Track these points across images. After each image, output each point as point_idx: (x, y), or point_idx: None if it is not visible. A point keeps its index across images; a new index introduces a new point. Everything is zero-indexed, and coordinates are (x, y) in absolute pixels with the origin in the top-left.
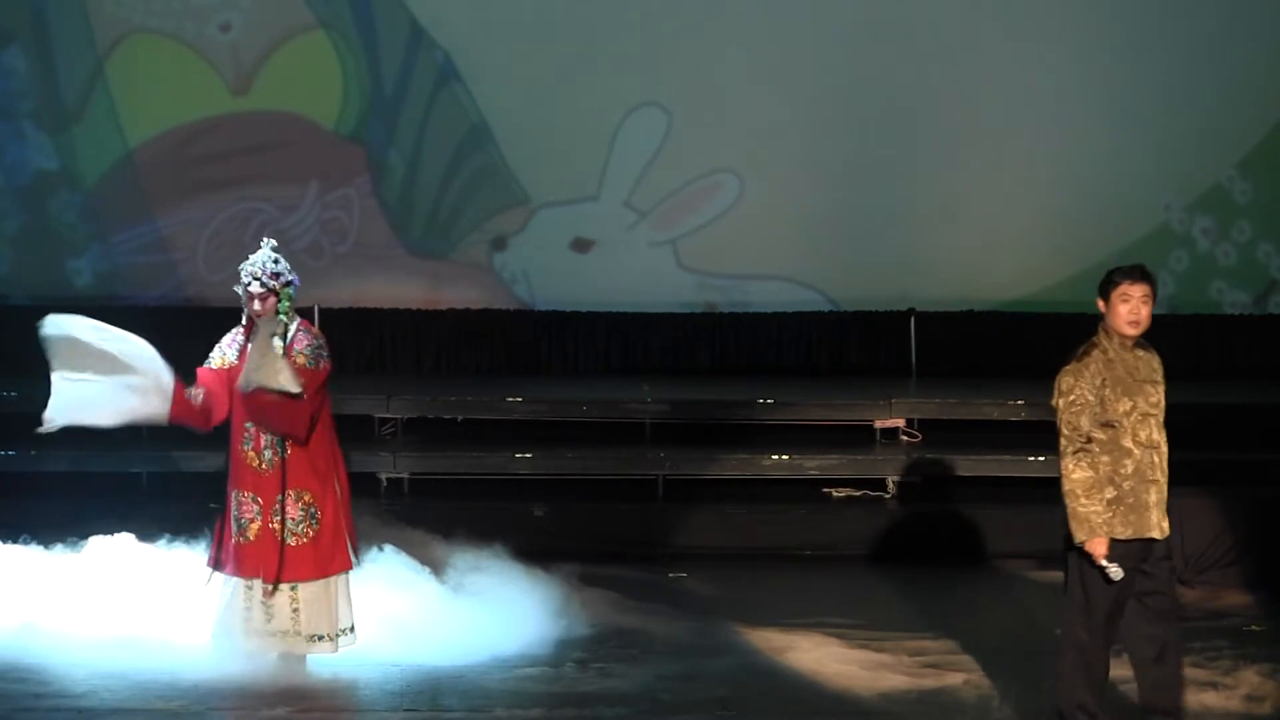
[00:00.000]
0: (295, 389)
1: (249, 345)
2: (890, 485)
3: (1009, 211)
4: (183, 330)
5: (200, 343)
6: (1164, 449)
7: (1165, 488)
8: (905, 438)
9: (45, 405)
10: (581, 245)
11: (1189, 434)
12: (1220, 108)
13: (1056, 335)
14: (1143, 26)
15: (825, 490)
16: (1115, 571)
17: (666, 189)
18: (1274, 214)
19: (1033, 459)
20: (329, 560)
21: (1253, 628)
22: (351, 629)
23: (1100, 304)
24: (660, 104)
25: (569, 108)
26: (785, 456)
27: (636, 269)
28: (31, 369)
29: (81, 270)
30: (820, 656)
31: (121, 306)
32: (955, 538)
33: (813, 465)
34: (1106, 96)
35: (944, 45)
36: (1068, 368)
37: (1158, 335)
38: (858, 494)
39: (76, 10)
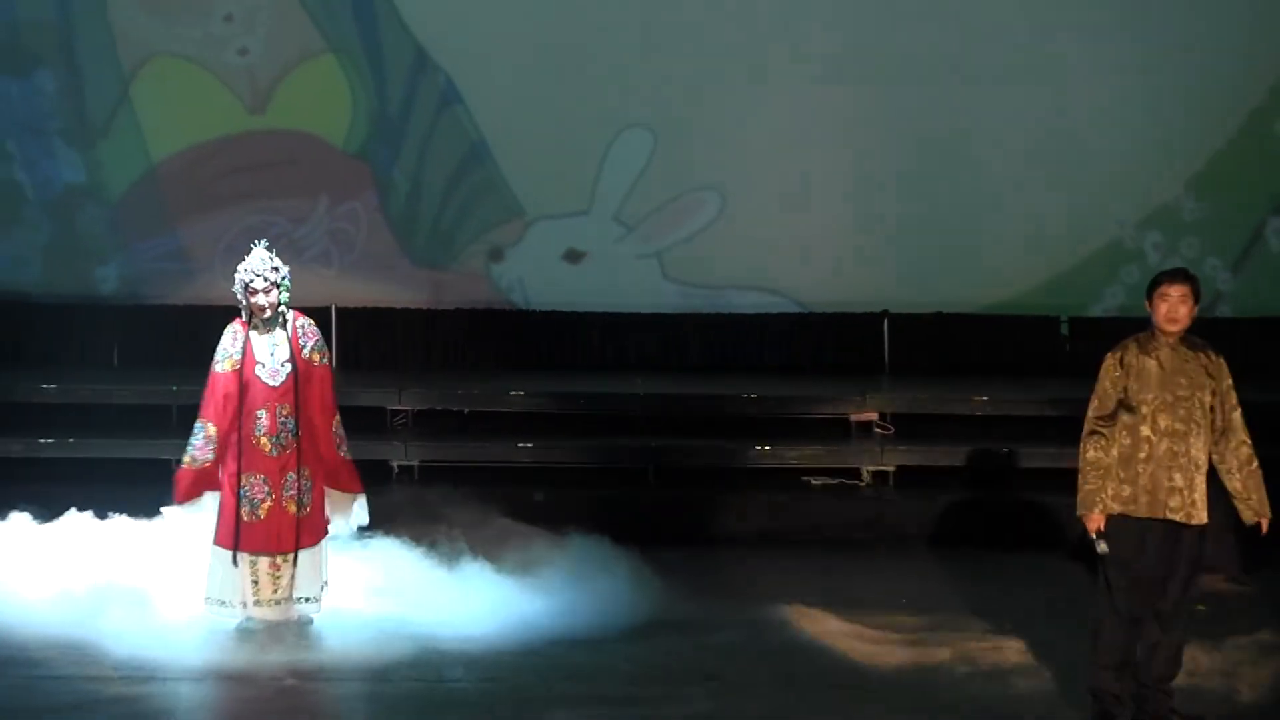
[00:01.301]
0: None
1: (249, 340)
2: (864, 474)
3: (976, 226)
4: (198, 326)
5: (212, 335)
6: (1194, 439)
7: (1196, 475)
8: (878, 430)
9: (79, 396)
10: (573, 256)
11: None
12: (1170, 132)
13: (1018, 338)
14: (1100, 59)
15: (804, 479)
16: (1102, 547)
17: (652, 204)
18: (1220, 231)
19: (997, 450)
20: (321, 527)
21: (1199, 607)
22: (325, 585)
23: (1147, 304)
24: (647, 125)
25: (562, 128)
26: (767, 447)
27: (624, 279)
28: (67, 364)
29: (108, 277)
30: (804, 631)
31: (145, 307)
32: (926, 523)
33: (792, 455)
34: (1066, 121)
35: (914, 72)
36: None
37: (1114, 337)
38: (834, 482)
39: (103, 34)
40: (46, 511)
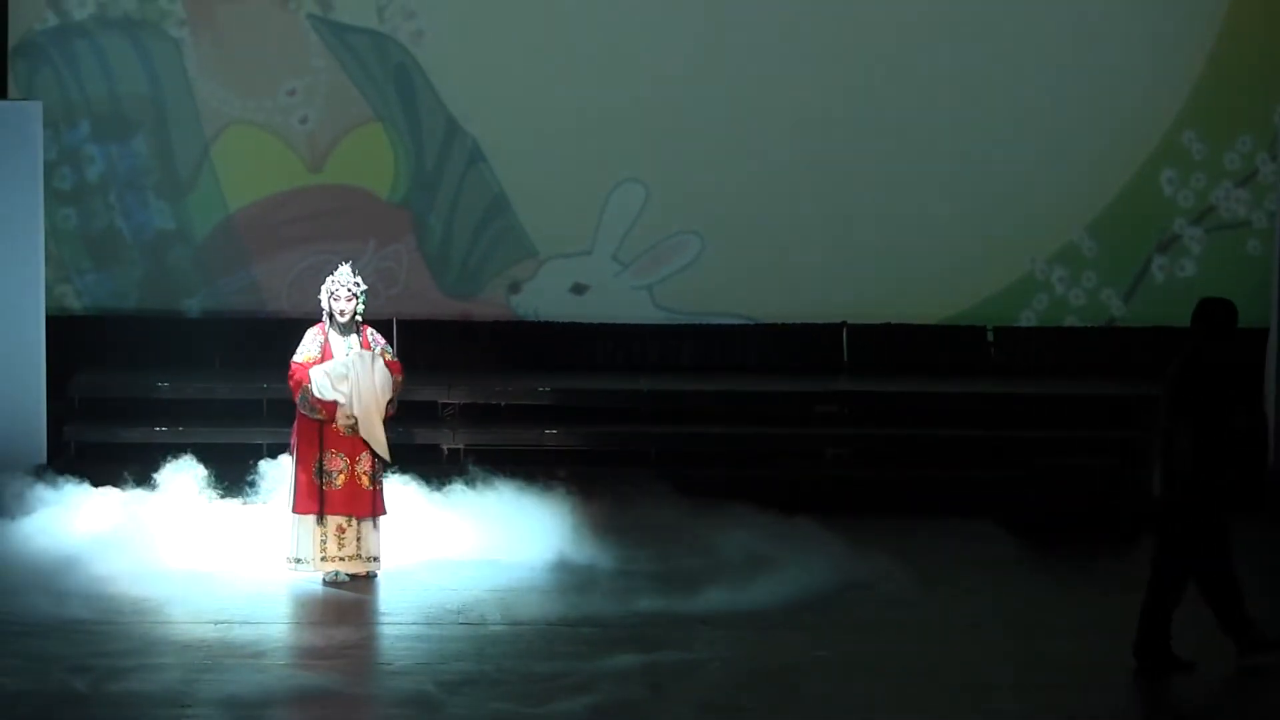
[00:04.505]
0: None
1: (327, 340)
2: (827, 454)
3: (917, 258)
4: (268, 337)
5: (282, 345)
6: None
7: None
8: (837, 416)
9: (187, 393)
10: (579, 289)
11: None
12: (1072, 184)
13: (952, 344)
14: (1018, 124)
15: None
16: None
17: (644, 245)
18: (1113, 266)
19: (935, 434)
20: (384, 502)
21: None
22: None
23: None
24: (640, 180)
25: (569, 183)
26: (748, 430)
27: (621, 307)
28: (171, 367)
29: (193, 307)
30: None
31: (234, 321)
32: (875, 490)
33: (770, 436)
34: (990, 175)
35: (867, 130)
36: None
37: (1030, 346)
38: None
39: (188, 106)
40: (161, 487)
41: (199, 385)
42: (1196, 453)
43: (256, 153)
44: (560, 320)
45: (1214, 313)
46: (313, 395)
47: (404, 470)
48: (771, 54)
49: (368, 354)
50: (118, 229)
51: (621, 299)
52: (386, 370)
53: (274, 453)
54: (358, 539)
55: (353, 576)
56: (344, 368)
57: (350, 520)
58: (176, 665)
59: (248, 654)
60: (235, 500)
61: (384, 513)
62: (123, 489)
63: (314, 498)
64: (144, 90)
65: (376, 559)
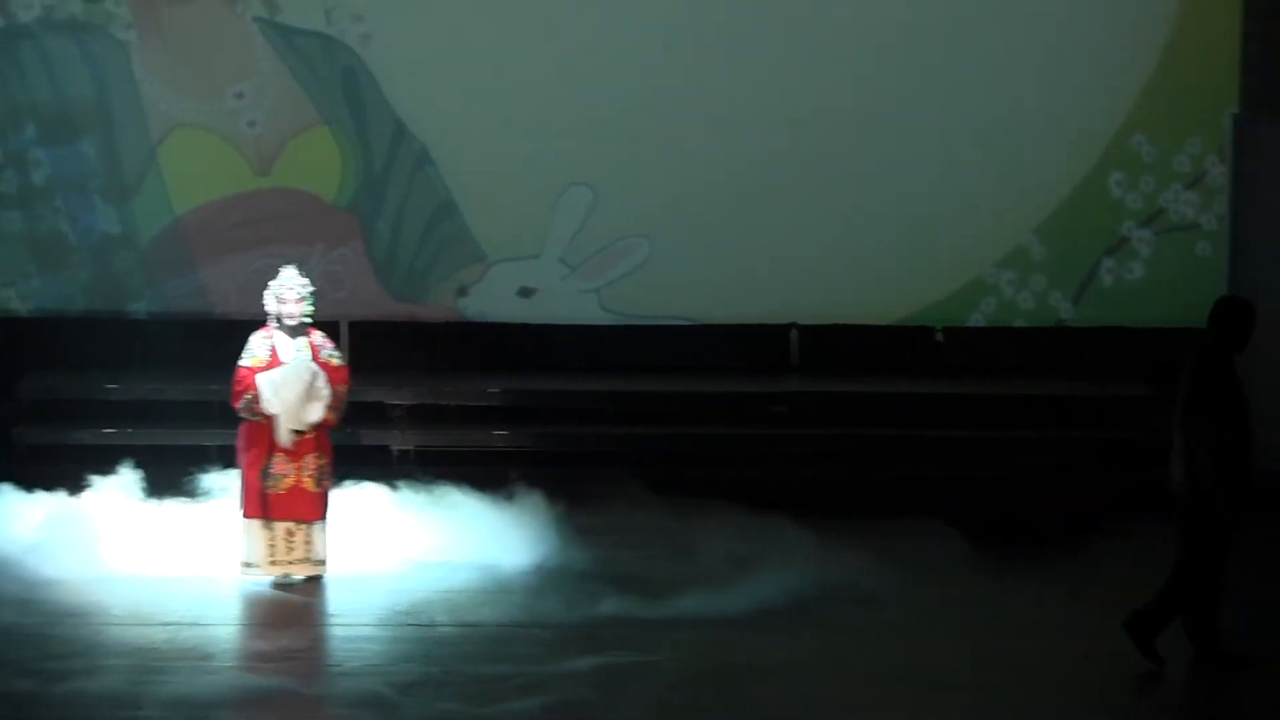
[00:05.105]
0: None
1: (275, 343)
2: (780, 454)
3: (866, 262)
4: (218, 339)
5: (231, 347)
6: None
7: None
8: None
9: (137, 394)
10: (526, 292)
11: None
12: (1021, 188)
13: (897, 347)
14: (966, 132)
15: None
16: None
17: (592, 249)
18: (1061, 269)
19: (883, 433)
20: (328, 507)
21: None
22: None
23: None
24: (588, 184)
25: (517, 186)
26: (700, 430)
27: (569, 311)
28: (120, 369)
29: (139, 311)
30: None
31: (173, 325)
32: (833, 494)
33: (724, 435)
34: (940, 180)
35: (817, 127)
36: None
37: (977, 347)
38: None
39: (135, 109)
40: (109, 490)
41: (148, 387)
42: (1211, 451)
43: (203, 156)
44: (509, 322)
45: (1221, 312)
46: (258, 405)
47: (353, 473)
48: (719, 58)
49: (308, 372)
50: (63, 232)
51: (569, 302)
52: (321, 398)
53: (223, 455)
54: (306, 542)
55: (303, 579)
56: (276, 383)
57: (298, 524)
58: (125, 668)
59: (197, 656)
60: (183, 502)
61: (326, 516)
62: (72, 491)
63: (261, 502)
64: (90, 93)
65: (324, 562)
